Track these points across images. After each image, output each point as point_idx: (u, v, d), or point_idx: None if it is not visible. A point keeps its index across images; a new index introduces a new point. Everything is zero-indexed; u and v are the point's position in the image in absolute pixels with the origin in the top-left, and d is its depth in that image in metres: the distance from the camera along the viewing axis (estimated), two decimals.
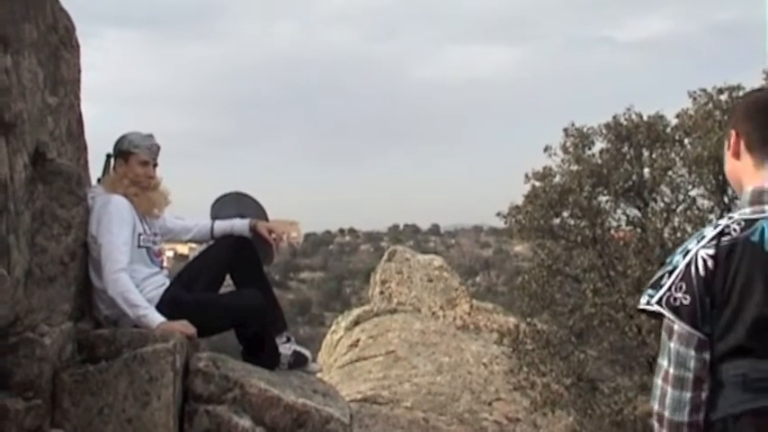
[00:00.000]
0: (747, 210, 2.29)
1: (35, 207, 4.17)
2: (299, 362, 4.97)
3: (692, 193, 9.49)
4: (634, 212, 10.46)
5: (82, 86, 4.98)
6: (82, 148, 5.02)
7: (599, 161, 10.18)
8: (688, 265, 2.24)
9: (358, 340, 13.68)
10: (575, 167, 10.25)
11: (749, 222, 2.25)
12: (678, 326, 2.23)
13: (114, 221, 4.45)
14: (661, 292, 2.27)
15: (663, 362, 2.28)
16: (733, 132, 2.41)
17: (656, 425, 2.30)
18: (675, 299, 2.24)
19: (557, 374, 9.82)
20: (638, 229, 10.10)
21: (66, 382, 3.99)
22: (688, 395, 2.23)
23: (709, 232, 2.27)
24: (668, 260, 2.33)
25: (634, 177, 9.87)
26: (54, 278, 4.18)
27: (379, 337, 13.44)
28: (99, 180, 4.78)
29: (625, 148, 10.09)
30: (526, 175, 10.50)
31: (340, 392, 5.17)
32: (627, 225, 10.58)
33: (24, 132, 3.95)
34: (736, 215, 2.29)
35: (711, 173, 8.84)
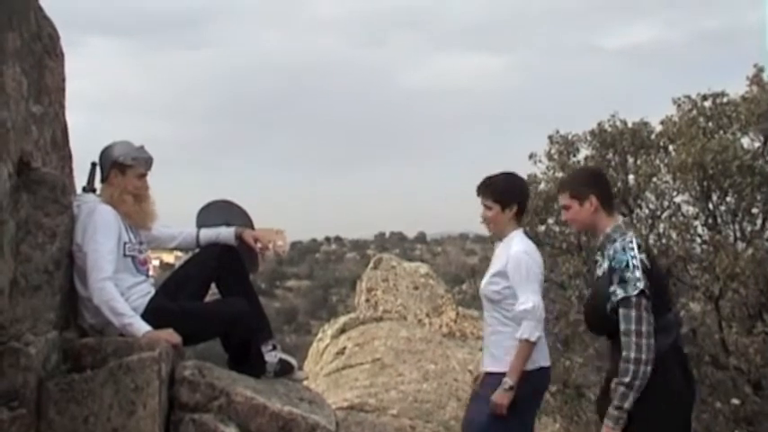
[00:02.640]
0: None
1: (19, 216, 4.15)
2: (284, 370, 4.96)
3: (677, 199, 9.39)
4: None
5: (67, 95, 4.97)
6: (67, 157, 5.00)
7: None
8: (641, 264, 3.89)
9: (344, 348, 13.67)
10: (560, 174, 10.24)
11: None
12: (645, 301, 3.86)
13: (100, 230, 4.43)
14: (641, 283, 3.85)
15: (633, 327, 3.83)
16: (593, 196, 4.13)
17: (631, 366, 3.81)
18: (644, 285, 3.87)
19: None
20: None
21: (52, 392, 3.97)
22: (652, 341, 3.84)
23: (635, 245, 3.97)
24: (616, 264, 3.93)
25: (619, 184, 9.84)
26: (39, 287, 4.16)
27: (365, 344, 13.43)
28: (84, 189, 4.75)
29: (610, 155, 10.06)
30: None
31: (326, 400, 5.16)
32: None
33: (8, 141, 3.93)
34: (628, 237, 4.02)
35: (696, 179, 8.79)
